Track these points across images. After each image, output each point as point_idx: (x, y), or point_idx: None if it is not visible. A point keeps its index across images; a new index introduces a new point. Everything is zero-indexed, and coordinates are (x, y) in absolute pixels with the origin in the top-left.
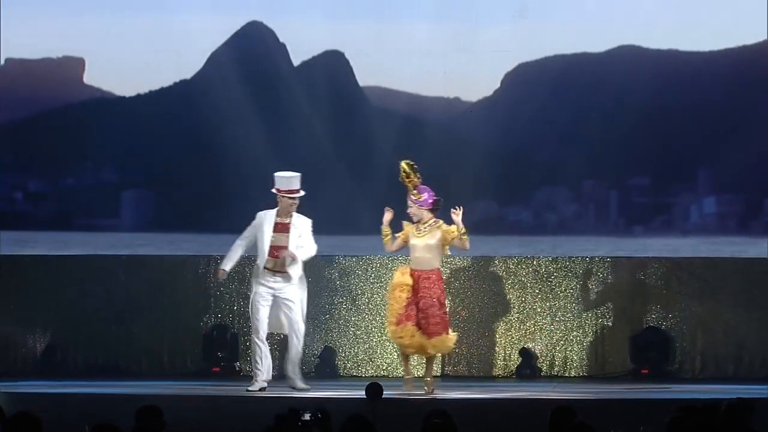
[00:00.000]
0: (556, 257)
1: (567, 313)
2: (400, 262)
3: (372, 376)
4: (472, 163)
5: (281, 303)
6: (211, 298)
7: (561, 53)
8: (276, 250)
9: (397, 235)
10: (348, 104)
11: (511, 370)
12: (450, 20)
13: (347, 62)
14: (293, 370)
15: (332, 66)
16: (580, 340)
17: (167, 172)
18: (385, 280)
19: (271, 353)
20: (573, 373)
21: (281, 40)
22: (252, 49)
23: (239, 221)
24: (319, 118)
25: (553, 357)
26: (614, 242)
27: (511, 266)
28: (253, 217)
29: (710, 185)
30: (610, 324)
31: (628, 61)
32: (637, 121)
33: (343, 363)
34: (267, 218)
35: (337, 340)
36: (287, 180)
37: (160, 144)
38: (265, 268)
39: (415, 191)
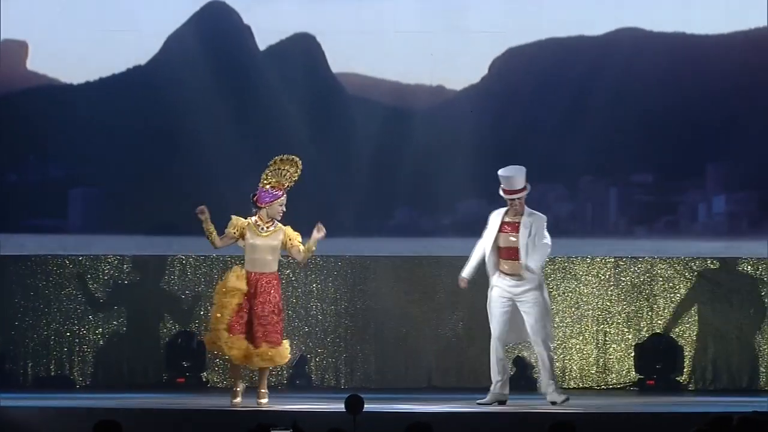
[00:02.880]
0: (554, 257)
1: (566, 319)
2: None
3: (351, 388)
4: (458, 157)
5: (520, 309)
6: (176, 302)
7: (554, 36)
8: (506, 252)
9: (227, 230)
10: (321, 93)
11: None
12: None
13: (319, 46)
14: (546, 382)
15: (303, 50)
16: (580, 348)
17: (120, 167)
18: (366, 282)
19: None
20: (572, 385)
21: (246, 21)
22: (213, 31)
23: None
24: (290, 108)
25: None
26: (614, 244)
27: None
28: (222, 216)
29: (720, 182)
30: (613, 330)
31: (629, 46)
32: (640, 112)
33: (320, 374)
34: (495, 218)
35: (314, 348)
36: (504, 179)
37: (111, 137)
38: (498, 271)
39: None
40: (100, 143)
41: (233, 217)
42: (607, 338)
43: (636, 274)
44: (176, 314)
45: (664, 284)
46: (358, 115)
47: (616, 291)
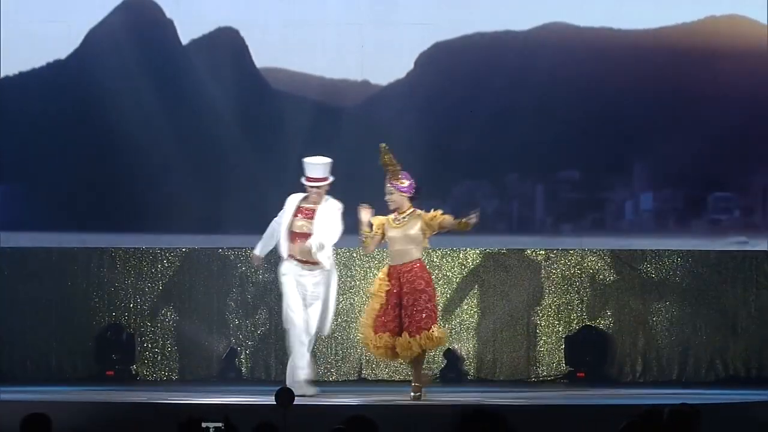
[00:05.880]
0: (485, 249)
1: (496, 311)
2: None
3: (282, 381)
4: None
5: (306, 300)
6: (105, 294)
7: (481, 31)
8: (298, 237)
9: (369, 231)
10: (246, 88)
11: (435, 374)
12: None
13: (242, 40)
14: (305, 371)
15: (226, 45)
16: (510, 340)
17: (40, 164)
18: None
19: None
20: (502, 377)
21: (168, 15)
22: (135, 26)
23: (130, 217)
24: (217, 103)
25: (481, 359)
26: (540, 242)
27: (434, 259)
28: (145, 210)
29: (647, 179)
30: (543, 322)
31: (557, 41)
32: (567, 109)
33: (250, 366)
34: (291, 201)
35: (244, 341)
36: (309, 167)
37: (32, 132)
38: (289, 256)
39: (399, 177)
40: (21, 139)
41: (372, 218)
42: (537, 330)
43: (566, 266)
44: (105, 307)
45: (594, 276)
46: (283, 110)
47: (546, 283)
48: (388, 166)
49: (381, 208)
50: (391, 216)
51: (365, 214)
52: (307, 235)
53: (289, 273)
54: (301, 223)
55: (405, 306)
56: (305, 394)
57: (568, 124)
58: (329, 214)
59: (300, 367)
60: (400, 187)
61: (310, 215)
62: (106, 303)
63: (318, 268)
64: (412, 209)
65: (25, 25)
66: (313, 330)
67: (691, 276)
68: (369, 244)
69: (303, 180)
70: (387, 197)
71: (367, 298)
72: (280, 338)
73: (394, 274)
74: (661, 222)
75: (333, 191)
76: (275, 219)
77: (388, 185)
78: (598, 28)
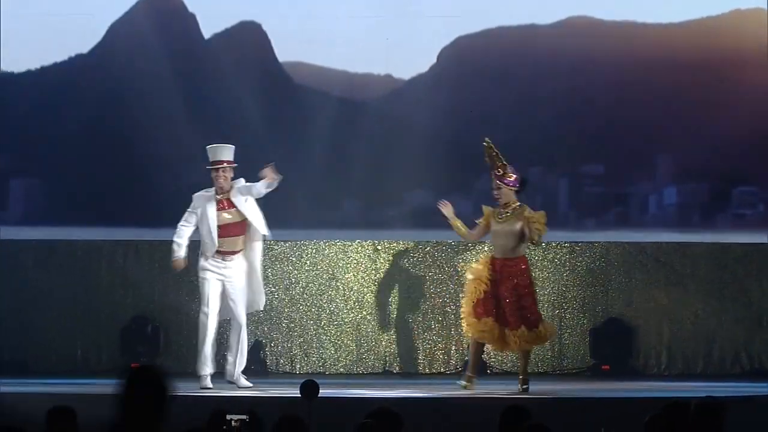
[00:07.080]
0: None
1: None
2: (339, 247)
3: (307, 373)
4: (408, 148)
5: (228, 289)
6: (130, 287)
7: (504, 25)
8: (228, 228)
9: (477, 221)
10: (269, 82)
11: (459, 367)
12: None
13: (265, 34)
14: (238, 366)
15: (248, 39)
16: None
17: (62, 157)
18: (322, 267)
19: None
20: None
21: (191, 9)
22: (157, 20)
23: (148, 211)
24: (240, 97)
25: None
26: (564, 235)
27: (459, 253)
28: (173, 202)
29: (671, 173)
30: (568, 316)
31: (580, 35)
32: (590, 103)
33: (275, 359)
34: (207, 200)
35: (269, 333)
36: (216, 150)
37: (54, 125)
38: (217, 252)
39: (507, 170)
40: (43, 133)
41: (483, 207)
42: (562, 323)
43: (591, 259)
44: (130, 299)
45: (619, 269)
46: (306, 104)
47: (571, 276)
48: (495, 161)
49: (391, 206)
50: (496, 209)
51: (447, 210)
52: (232, 226)
53: (211, 269)
54: (226, 216)
55: (505, 299)
56: (207, 387)
57: (592, 119)
58: (245, 190)
59: (203, 363)
60: (508, 181)
61: (228, 205)
62: (131, 295)
63: (238, 255)
64: (518, 204)
65: (46, 18)
66: (241, 319)
67: (717, 269)
68: (466, 235)
69: (209, 167)
70: (495, 192)
71: (390, 291)
72: (305, 331)
73: (497, 266)
74: (685, 216)
75: (357, 183)
76: (183, 223)
77: (496, 180)
78: (621, 22)
